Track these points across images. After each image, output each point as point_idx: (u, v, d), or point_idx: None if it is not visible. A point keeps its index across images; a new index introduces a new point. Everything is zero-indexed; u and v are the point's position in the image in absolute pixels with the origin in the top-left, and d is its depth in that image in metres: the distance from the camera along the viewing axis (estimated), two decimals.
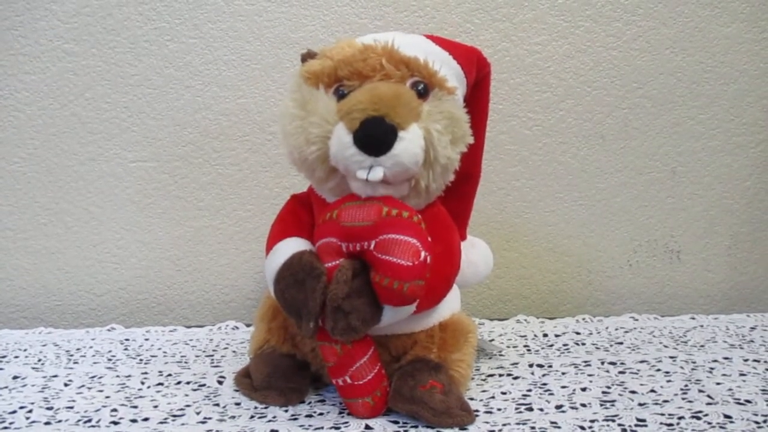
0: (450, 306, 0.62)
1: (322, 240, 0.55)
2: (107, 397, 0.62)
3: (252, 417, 0.58)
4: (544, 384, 0.64)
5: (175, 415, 0.59)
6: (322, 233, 0.55)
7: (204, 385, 0.65)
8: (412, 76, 0.56)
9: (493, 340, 0.76)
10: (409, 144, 0.52)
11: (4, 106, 0.83)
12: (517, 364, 0.69)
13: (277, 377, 0.61)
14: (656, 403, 0.60)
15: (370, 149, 0.52)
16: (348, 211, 0.54)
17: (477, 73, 0.62)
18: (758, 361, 0.69)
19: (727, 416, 0.57)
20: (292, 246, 0.57)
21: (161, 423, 0.57)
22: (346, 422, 0.57)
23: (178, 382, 0.66)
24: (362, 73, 0.55)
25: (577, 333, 0.78)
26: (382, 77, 0.55)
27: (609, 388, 0.63)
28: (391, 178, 0.53)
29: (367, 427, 0.56)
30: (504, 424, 0.56)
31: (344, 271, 0.53)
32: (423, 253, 0.52)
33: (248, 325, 0.80)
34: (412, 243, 0.52)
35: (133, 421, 0.58)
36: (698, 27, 0.85)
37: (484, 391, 0.63)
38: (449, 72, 0.58)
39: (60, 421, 0.58)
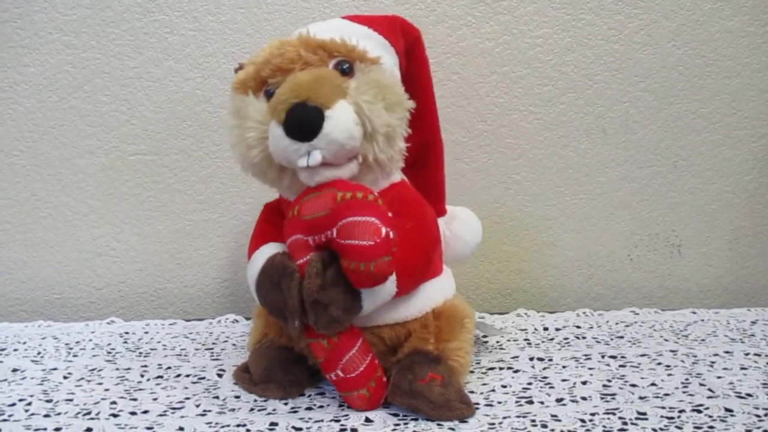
0: (443, 292, 0.62)
1: (290, 238, 0.56)
2: (107, 389, 0.62)
3: (252, 410, 0.58)
4: (545, 377, 0.64)
5: (174, 408, 0.59)
6: (289, 231, 0.56)
7: (204, 378, 0.65)
8: (331, 57, 0.56)
9: (493, 323, 0.76)
10: (338, 121, 0.53)
11: (3, 98, 0.83)
12: (517, 357, 0.69)
13: (276, 370, 0.61)
14: (657, 397, 0.60)
15: (300, 135, 0.52)
16: (306, 204, 0.54)
17: (405, 40, 0.62)
18: (759, 355, 0.69)
19: (728, 410, 0.57)
20: (268, 251, 0.58)
21: (161, 416, 0.57)
22: (346, 415, 0.57)
23: (178, 375, 0.66)
24: (282, 67, 0.56)
25: (578, 327, 0.78)
26: (302, 66, 0.56)
27: (610, 381, 0.63)
28: (332, 158, 0.53)
29: (367, 419, 0.56)
30: (504, 417, 0.56)
31: (314, 264, 0.53)
32: (384, 230, 0.52)
33: (248, 319, 0.80)
34: (371, 221, 0.52)
35: (133, 413, 0.58)
36: (700, 20, 0.85)
37: (484, 384, 0.63)
38: (371, 44, 0.58)
39: (59, 414, 0.58)
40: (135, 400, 0.60)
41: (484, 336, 0.73)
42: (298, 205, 0.55)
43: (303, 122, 0.52)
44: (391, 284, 0.55)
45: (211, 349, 0.73)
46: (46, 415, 0.57)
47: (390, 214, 0.53)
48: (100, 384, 0.64)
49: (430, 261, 0.61)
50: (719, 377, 0.64)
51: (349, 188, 0.54)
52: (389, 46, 0.60)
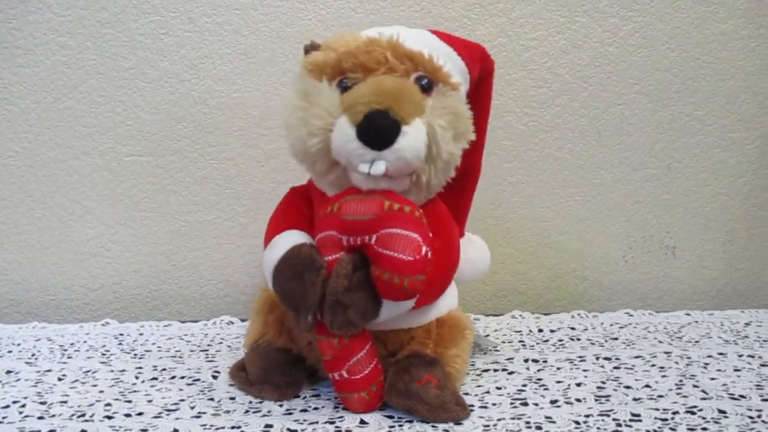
0: (447, 302, 0.62)
1: (322, 233, 0.55)
2: (101, 391, 0.62)
3: (247, 411, 0.58)
4: (539, 379, 0.64)
5: (169, 410, 0.58)
6: (323, 226, 0.55)
7: (198, 379, 0.65)
8: (416, 70, 0.55)
9: (488, 335, 0.76)
10: (412, 139, 0.52)
11: None
12: (512, 359, 0.69)
13: (272, 371, 0.61)
14: (651, 398, 0.60)
15: (373, 143, 0.51)
16: (349, 204, 0.54)
17: (480, 70, 0.62)
18: (753, 357, 0.69)
19: (721, 411, 0.57)
20: (291, 239, 0.57)
21: (155, 417, 0.57)
22: (341, 417, 0.57)
23: (173, 377, 0.65)
24: (366, 65, 0.55)
25: (572, 328, 0.78)
26: (386, 71, 0.54)
27: (604, 383, 0.63)
28: (393, 172, 0.53)
29: (362, 421, 0.56)
30: (499, 419, 0.56)
31: (344, 264, 0.53)
32: (424, 248, 0.52)
33: (243, 320, 0.80)
34: (414, 237, 0.51)
35: (127, 415, 0.58)
36: (694, 23, 0.85)
37: (479, 385, 0.63)
38: (453, 68, 0.57)
39: (53, 416, 0.57)
40: (130, 401, 0.60)
41: (481, 348, 0.73)
42: (339, 203, 0.54)
43: (380, 131, 0.51)
44: (412, 300, 0.55)
45: (206, 350, 0.72)
46: (40, 417, 0.57)
47: (430, 234, 0.53)
48: (95, 386, 0.63)
49: (450, 280, 0.61)
50: (713, 379, 0.64)
51: (397, 200, 0.53)
52: (467, 73, 0.59)
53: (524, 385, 0.63)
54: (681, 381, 0.63)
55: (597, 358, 0.69)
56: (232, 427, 0.55)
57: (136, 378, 0.65)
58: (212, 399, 0.61)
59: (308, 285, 0.53)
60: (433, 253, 0.53)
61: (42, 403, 0.60)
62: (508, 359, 0.69)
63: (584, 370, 0.66)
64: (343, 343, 0.55)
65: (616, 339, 0.75)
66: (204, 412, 0.58)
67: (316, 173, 0.58)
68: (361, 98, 0.52)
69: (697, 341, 0.74)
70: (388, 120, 0.51)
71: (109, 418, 0.57)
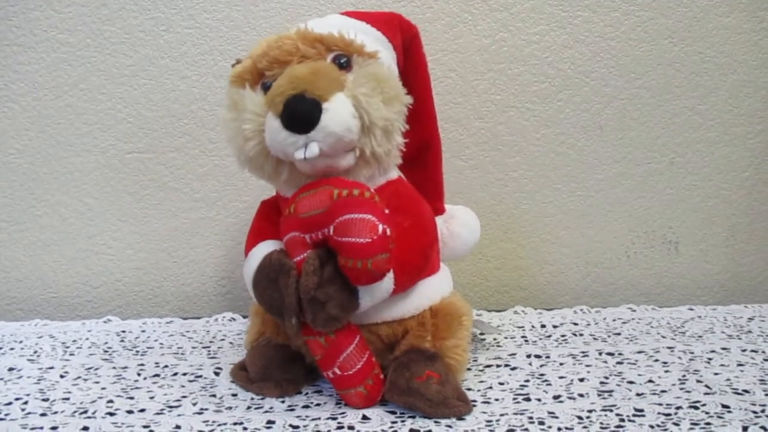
0: (440, 290, 0.62)
1: (287, 236, 0.56)
2: (103, 388, 0.62)
3: (249, 408, 0.58)
4: (542, 374, 0.64)
5: (171, 406, 0.59)
6: (286, 229, 0.56)
7: (200, 376, 0.65)
8: (329, 50, 0.56)
9: (490, 321, 0.76)
10: (335, 114, 0.52)
11: None
12: (514, 354, 0.69)
13: (272, 369, 0.61)
14: (654, 393, 0.60)
15: (297, 127, 0.52)
16: (303, 201, 0.54)
17: (403, 36, 0.62)
18: (756, 352, 0.69)
19: (725, 406, 0.57)
20: (264, 249, 0.58)
21: (157, 414, 0.57)
22: (343, 413, 0.57)
23: (175, 374, 0.65)
24: (280, 59, 0.56)
25: (575, 324, 0.78)
26: (299, 59, 0.55)
27: (607, 378, 0.63)
28: (329, 150, 0.53)
29: (365, 417, 0.56)
30: (502, 414, 0.56)
31: (311, 261, 0.53)
32: (380, 227, 0.52)
33: (245, 317, 0.80)
34: (368, 219, 0.52)
35: (129, 412, 0.58)
36: (697, 17, 0.85)
37: (481, 381, 0.63)
38: (368, 39, 0.58)
39: (56, 413, 0.57)
40: (132, 398, 0.60)
41: (482, 334, 0.73)
42: (295, 202, 0.55)
43: (301, 114, 0.52)
44: (388, 281, 0.55)
45: (208, 347, 0.72)
46: (43, 414, 0.57)
47: (387, 211, 0.53)
48: (97, 383, 0.63)
49: (428, 259, 0.61)
50: (716, 374, 0.64)
51: (346, 185, 0.53)
52: (387, 42, 0.60)
53: (527, 381, 0.63)
54: (684, 376, 0.63)
55: (600, 354, 0.69)
56: (234, 424, 0.55)
57: (138, 375, 0.65)
58: (214, 395, 0.61)
59: (283, 289, 0.54)
60: (401, 231, 0.54)
61: (44, 400, 0.60)
62: (510, 355, 0.69)
63: (587, 366, 0.66)
64: (329, 340, 0.56)
65: (619, 334, 0.74)
66: (206, 409, 0.58)
67: (269, 177, 0.58)
68: (277, 90, 0.53)
69: (700, 336, 0.74)
70: (306, 101, 0.52)
71: (111, 414, 0.57)
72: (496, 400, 0.59)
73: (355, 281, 0.53)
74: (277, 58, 0.56)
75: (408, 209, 0.59)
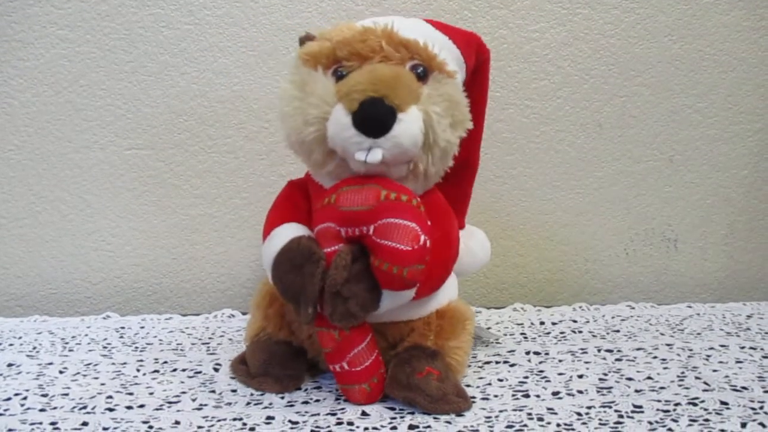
0: (447, 293, 0.62)
1: (320, 225, 0.55)
2: (102, 384, 0.62)
3: (248, 404, 0.58)
4: (541, 371, 0.64)
5: (170, 402, 0.59)
6: (321, 218, 0.55)
7: (200, 372, 0.65)
8: (411, 58, 0.55)
9: (490, 328, 0.76)
10: (408, 126, 0.52)
11: None
12: (513, 351, 0.69)
13: (273, 364, 0.61)
14: (653, 390, 0.60)
15: (369, 130, 0.51)
16: (346, 195, 0.53)
17: (476, 59, 0.62)
18: (754, 349, 0.69)
19: (723, 403, 0.57)
20: (290, 231, 0.57)
21: (157, 410, 0.57)
22: (343, 408, 0.57)
23: (174, 370, 0.65)
24: (361, 54, 0.55)
25: (574, 321, 0.78)
26: (381, 59, 0.54)
27: (606, 375, 0.63)
28: (390, 159, 0.53)
29: (364, 413, 0.56)
30: (501, 411, 0.56)
31: (343, 256, 0.52)
32: (423, 237, 0.51)
33: (244, 314, 0.80)
34: (412, 227, 0.51)
35: (129, 407, 0.58)
36: (696, 15, 0.85)
37: (480, 377, 0.63)
38: (448, 56, 0.57)
39: (55, 408, 0.57)
40: (131, 394, 0.60)
41: (481, 340, 0.73)
42: (336, 194, 0.54)
43: (376, 119, 0.51)
44: (412, 290, 0.54)
45: (208, 343, 0.72)
46: (42, 410, 0.57)
47: (429, 223, 0.53)
48: (96, 378, 0.63)
49: (449, 271, 0.61)
50: (715, 371, 0.64)
51: (395, 189, 0.53)
52: (463, 62, 0.59)
53: (526, 377, 0.63)
54: (683, 373, 0.63)
55: (599, 351, 0.69)
56: (234, 419, 0.55)
57: (138, 371, 0.65)
58: (213, 391, 0.61)
59: (307, 277, 0.53)
60: (431, 243, 0.53)
61: (43, 396, 0.60)
62: (509, 351, 0.69)
63: (586, 362, 0.66)
64: (343, 335, 0.55)
65: (618, 331, 0.74)
66: (205, 405, 0.58)
67: (314, 164, 0.57)
68: (356, 86, 0.52)
69: (698, 333, 0.74)
70: (384, 107, 0.51)
71: (111, 410, 0.57)
72: (495, 396, 0.59)
73: (385, 285, 0.53)
74: (359, 51, 0.55)
75: (439, 221, 0.58)
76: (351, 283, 0.53)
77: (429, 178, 0.57)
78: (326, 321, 0.55)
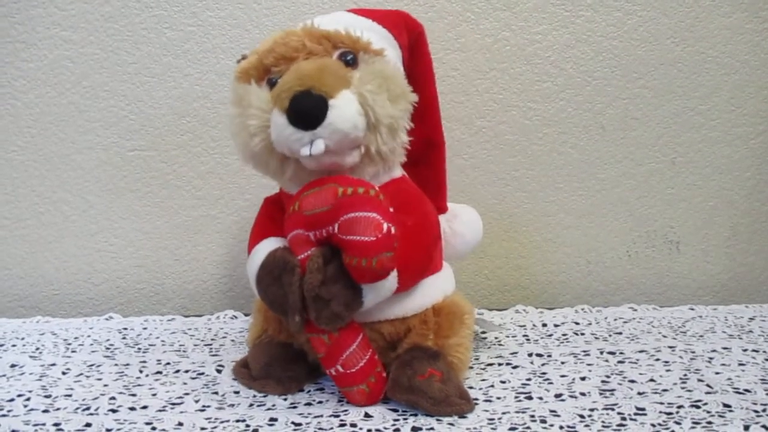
0: (443, 288, 0.63)
1: (291, 233, 0.56)
2: (105, 385, 0.62)
3: (251, 405, 0.58)
4: (544, 373, 0.64)
5: (173, 403, 0.59)
6: (290, 226, 0.56)
7: (203, 373, 0.65)
8: (335, 48, 0.56)
9: (492, 318, 0.76)
10: (341, 110, 0.52)
11: (1, 94, 0.82)
12: (516, 353, 0.69)
13: (275, 366, 0.61)
14: (655, 392, 0.60)
15: (303, 123, 0.52)
16: (307, 199, 0.54)
17: (409, 35, 0.62)
18: (757, 351, 0.69)
19: (726, 405, 0.57)
20: (268, 246, 0.58)
21: (160, 411, 0.57)
22: (346, 410, 0.57)
23: (177, 371, 0.66)
24: (286, 56, 0.56)
25: (576, 323, 0.78)
26: (306, 56, 0.56)
27: (608, 377, 0.63)
28: (335, 147, 0.53)
29: (367, 415, 0.56)
30: (503, 413, 0.56)
31: (315, 259, 0.53)
32: (385, 225, 0.52)
33: (247, 315, 0.80)
34: (372, 217, 0.52)
35: (132, 409, 0.58)
36: (699, 17, 0.85)
37: (483, 379, 0.63)
38: (375, 36, 0.58)
39: (58, 409, 0.58)
40: (134, 395, 0.60)
41: (483, 332, 0.73)
42: (299, 200, 0.55)
43: (307, 111, 0.52)
44: (392, 280, 0.55)
45: (210, 344, 0.72)
46: (45, 411, 0.57)
47: (391, 210, 0.53)
48: (99, 380, 0.64)
49: (431, 257, 0.61)
50: (717, 373, 0.64)
51: (351, 183, 0.53)
52: (393, 39, 0.60)
53: (528, 379, 0.63)
54: (685, 375, 0.63)
55: (601, 353, 0.69)
56: (237, 421, 0.55)
57: (140, 372, 0.65)
58: (216, 393, 0.61)
59: (287, 286, 0.54)
60: (404, 230, 0.54)
61: (47, 397, 0.60)
62: (512, 353, 0.69)
63: (588, 365, 0.66)
64: (332, 338, 0.56)
65: (620, 333, 0.74)
66: (208, 406, 0.58)
67: (273, 173, 0.58)
68: (284, 86, 0.53)
69: (701, 336, 0.74)
70: (313, 98, 0.52)
71: (114, 411, 0.57)
72: (498, 398, 0.59)
73: (359, 279, 0.53)
74: (283, 54, 0.56)
75: (411, 208, 0.59)
76: (328, 285, 0.53)
77: (385, 158, 0.57)
78: (315, 326, 0.55)
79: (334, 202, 0.53)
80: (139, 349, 0.71)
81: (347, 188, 0.53)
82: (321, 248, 0.54)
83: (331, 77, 0.53)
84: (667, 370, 0.64)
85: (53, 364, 0.67)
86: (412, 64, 0.63)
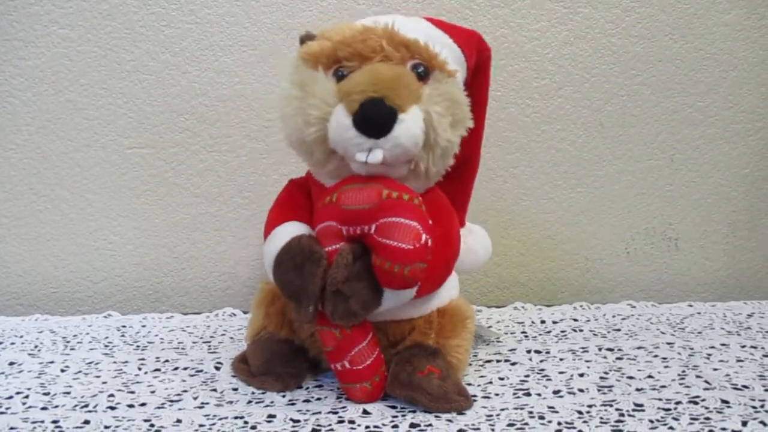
0: (449, 292, 0.62)
1: (321, 224, 0.55)
2: (104, 382, 0.62)
3: (249, 402, 0.58)
4: (542, 370, 0.64)
5: (172, 401, 0.59)
6: (322, 217, 0.55)
7: (201, 370, 0.65)
8: (412, 58, 0.55)
9: (491, 326, 0.76)
10: (408, 126, 0.52)
11: None
12: (514, 350, 0.69)
13: (274, 363, 0.61)
14: (654, 389, 0.60)
15: (369, 131, 0.51)
16: (348, 194, 0.53)
17: (477, 57, 0.62)
18: (755, 348, 0.69)
19: (724, 401, 0.57)
20: (291, 230, 0.57)
21: (158, 408, 0.57)
22: (344, 407, 0.57)
23: (176, 368, 0.66)
24: (362, 54, 0.54)
25: (575, 320, 0.78)
26: (381, 59, 0.54)
27: (607, 373, 0.63)
28: (391, 160, 0.53)
29: (365, 411, 0.56)
30: (502, 409, 0.56)
31: (344, 254, 0.52)
32: (424, 236, 0.51)
33: (245, 312, 0.80)
34: (413, 226, 0.51)
35: (131, 406, 0.58)
36: (697, 14, 0.85)
37: (482, 376, 0.63)
38: (449, 55, 0.57)
39: (57, 407, 0.58)
40: (133, 392, 0.60)
41: (483, 339, 0.73)
42: (338, 192, 0.54)
43: (376, 120, 0.51)
44: (413, 289, 0.55)
45: (209, 342, 0.72)
46: (44, 408, 0.57)
47: (430, 222, 0.53)
48: (98, 377, 0.64)
49: (450, 269, 0.61)
50: (716, 369, 0.64)
51: (396, 188, 0.53)
52: (464, 60, 0.59)
53: (527, 376, 0.63)
54: (684, 371, 0.63)
55: (599, 349, 0.69)
56: (235, 417, 0.55)
57: (139, 369, 0.65)
58: (215, 390, 0.61)
59: (308, 276, 0.53)
60: (432, 241, 0.53)
61: (45, 394, 0.60)
62: (510, 350, 0.69)
63: (587, 361, 0.66)
64: (344, 333, 0.55)
65: (619, 330, 0.75)
66: (207, 403, 0.58)
67: (314, 163, 0.57)
68: (356, 87, 0.52)
69: (699, 332, 0.74)
70: (384, 108, 0.51)
71: (112, 408, 0.57)
72: (497, 395, 0.59)
73: (386, 284, 0.53)
74: (359, 51, 0.54)
75: (441, 219, 0.58)
76: (352, 282, 0.53)
77: (430, 177, 0.57)
78: (327, 320, 0.55)
79: (377, 202, 0.52)
80: (138, 346, 0.71)
81: (392, 192, 0.52)
82: (351, 245, 0.53)
83: (405, 90, 0.52)
84: (666, 367, 0.65)
85: (52, 362, 0.67)
86: (471, 85, 0.61)
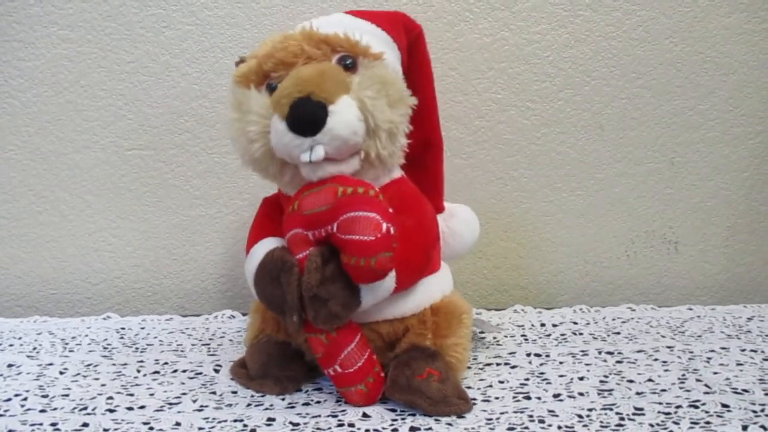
0: (440, 288, 0.62)
1: (289, 232, 0.56)
2: (103, 385, 0.62)
3: (249, 405, 0.58)
4: (542, 373, 0.64)
5: (171, 403, 0.58)
6: (288, 226, 0.56)
7: (200, 373, 0.65)
8: (335, 52, 0.56)
9: (490, 319, 0.76)
10: (341, 116, 0.52)
11: None
12: (514, 353, 0.69)
13: (272, 366, 0.61)
14: (654, 392, 0.60)
15: (303, 130, 0.52)
16: (307, 199, 0.54)
17: (407, 36, 0.62)
18: (755, 351, 0.69)
19: (724, 405, 0.57)
20: (266, 246, 0.58)
21: (157, 411, 0.57)
22: (344, 410, 0.57)
23: (175, 371, 0.65)
24: (285, 61, 0.55)
25: (575, 323, 0.78)
26: (305, 61, 0.55)
27: (606, 377, 0.63)
28: (334, 153, 0.53)
29: (365, 415, 0.56)
30: (502, 413, 0.56)
31: (313, 259, 0.53)
32: (384, 225, 0.52)
33: (244, 314, 0.80)
34: (372, 217, 0.52)
35: (129, 408, 0.58)
36: (698, 17, 0.85)
37: (481, 379, 0.63)
38: (375, 40, 0.58)
39: (55, 409, 0.57)
40: (131, 395, 0.60)
41: (481, 332, 0.73)
42: (298, 199, 0.55)
43: (307, 117, 0.52)
44: (390, 280, 0.55)
45: (208, 344, 0.72)
46: (42, 410, 0.57)
47: (390, 210, 0.53)
48: (97, 379, 0.63)
49: (430, 258, 0.61)
50: (715, 373, 0.64)
51: (350, 183, 0.53)
52: (392, 42, 0.60)
53: (527, 379, 0.63)
54: (684, 375, 0.63)
55: (599, 353, 0.69)
56: (235, 421, 0.55)
57: (138, 372, 0.65)
58: (214, 393, 0.61)
59: (285, 286, 0.54)
60: (404, 230, 0.54)
61: (44, 397, 0.60)
62: (510, 353, 0.69)
63: (587, 365, 0.66)
64: (330, 338, 0.56)
65: (619, 333, 0.74)
66: (206, 406, 0.58)
67: (272, 177, 0.58)
68: (283, 92, 0.53)
69: (699, 336, 0.74)
70: (312, 104, 0.52)
71: (111, 411, 0.57)
72: (497, 398, 0.59)
73: (357, 279, 0.53)
74: (282, 59, 0.55)
75: (411, 208, 0.59)
76: (327, 284, 0.53)
77: (385, 162, 0.57)
78: (314, 326, 0.55)
79: (334, 201, 0.53)
80: (137, 348, 0.71)
81: (347, 188, 0.53)
82: (319, 248, 0.54)
83: (331, 83, 0.53)
84: (666, 370, 0.64)
85: (50, 364, 0.67)
86: (410, 66, 0.63)
